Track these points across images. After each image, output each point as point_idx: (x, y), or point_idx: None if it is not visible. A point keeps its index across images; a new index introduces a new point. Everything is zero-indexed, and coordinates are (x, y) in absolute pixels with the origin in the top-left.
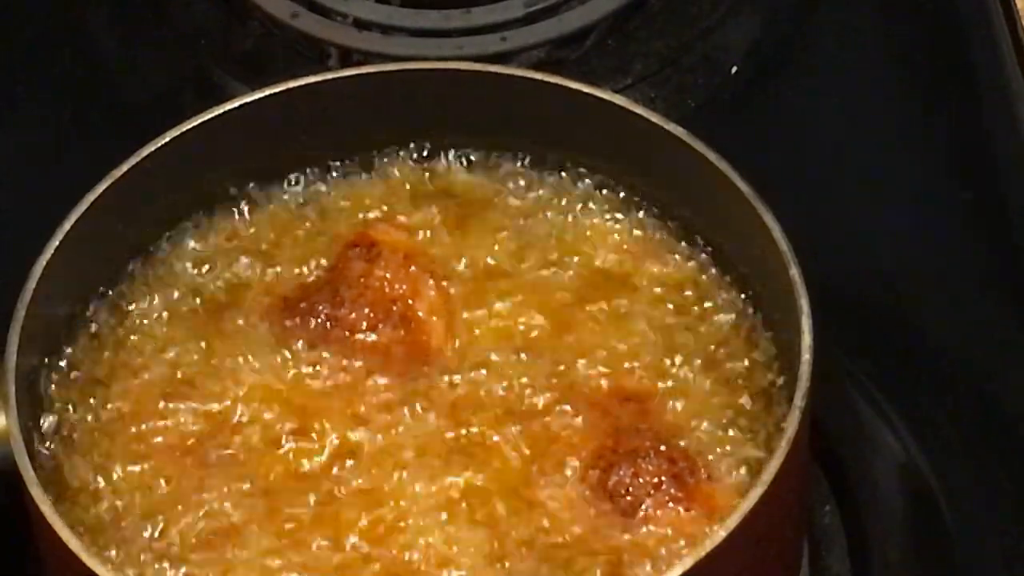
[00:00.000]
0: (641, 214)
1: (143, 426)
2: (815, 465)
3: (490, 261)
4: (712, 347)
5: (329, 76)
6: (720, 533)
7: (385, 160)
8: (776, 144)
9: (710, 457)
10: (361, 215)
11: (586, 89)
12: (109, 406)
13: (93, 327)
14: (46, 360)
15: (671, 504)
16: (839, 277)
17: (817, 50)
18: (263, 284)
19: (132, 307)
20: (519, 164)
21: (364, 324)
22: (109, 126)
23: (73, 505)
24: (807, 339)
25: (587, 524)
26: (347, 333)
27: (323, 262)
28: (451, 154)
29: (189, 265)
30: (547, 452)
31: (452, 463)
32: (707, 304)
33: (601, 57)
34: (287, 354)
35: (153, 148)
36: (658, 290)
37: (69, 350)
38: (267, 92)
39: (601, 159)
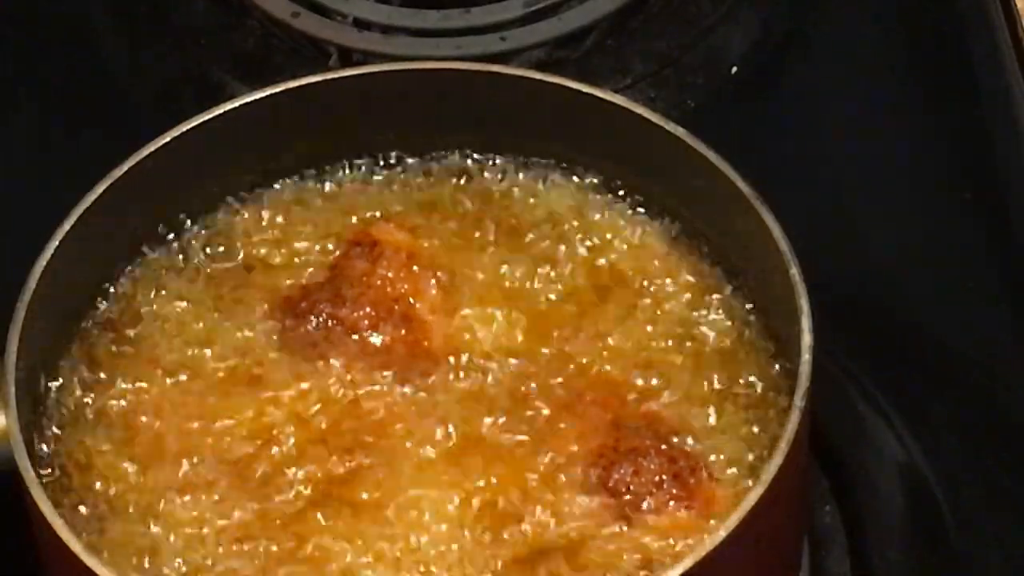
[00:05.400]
0: (641, 214)
1: (144, 426)
2: (815, 465)
3: (491, 260)
4: (712, 347)
5: (329, 76)
6: (720, 533)
7: (386, 159)
8: (776, 144)
9: (711, 456)
10: (362, 214)
11: (586, 89)
12: (109, 406)
13: (93, 327)
14: (46, 360)
15: (672, 503)
16: (839, 277)
17: (817, 50)
18: (264, 284)
19: (132, 307)
20: (519, 164)
21: (366, 323)
22: (109, 126)
23: (73, 505)
24: (807, 339)
25: (588, 523)
26: (349, 332)
27: (324, 261)
28: (451, 154)
29: (189, 266)
30: (548, 451)
31: (453, 462)
32: (707, 304)
33: (601, 57)
34: (288, 353)
35: (153, 148)
36: (658, 290)
37: (69, 350)
38: (267, 92)
39: (601, 159)
